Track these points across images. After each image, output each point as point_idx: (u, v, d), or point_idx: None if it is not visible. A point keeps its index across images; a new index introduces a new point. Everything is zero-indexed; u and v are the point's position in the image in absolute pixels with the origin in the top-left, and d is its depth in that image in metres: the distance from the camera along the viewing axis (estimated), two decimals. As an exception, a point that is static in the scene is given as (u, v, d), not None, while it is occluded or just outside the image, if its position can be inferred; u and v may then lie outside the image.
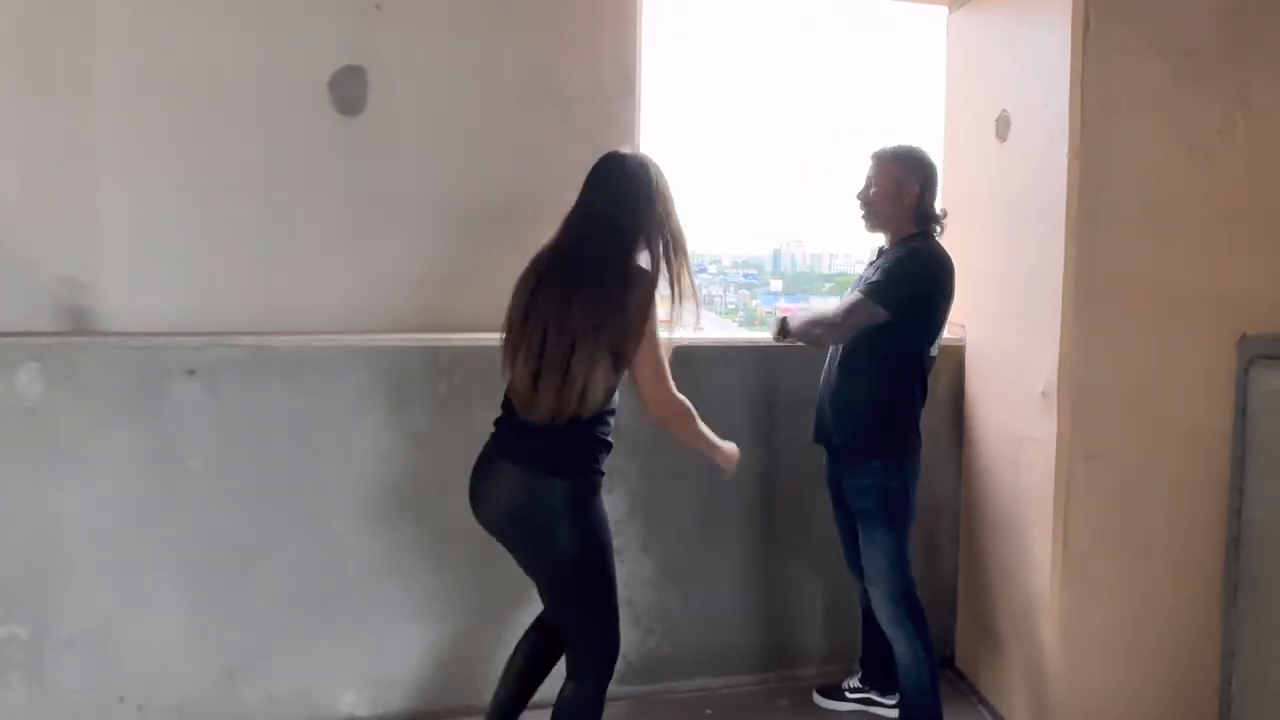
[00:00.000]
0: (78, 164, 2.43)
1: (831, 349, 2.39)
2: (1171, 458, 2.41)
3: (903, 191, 2.29)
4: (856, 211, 2.38)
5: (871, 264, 2.39)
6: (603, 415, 1.90)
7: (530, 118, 2.67)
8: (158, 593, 2.38)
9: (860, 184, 2.36)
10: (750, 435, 2.73)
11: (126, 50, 2.44)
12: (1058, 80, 2.28)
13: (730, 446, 2.13)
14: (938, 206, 2.36)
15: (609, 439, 1.94)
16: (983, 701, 2.73)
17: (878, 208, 2.32)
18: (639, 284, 1.84)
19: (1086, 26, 2.22)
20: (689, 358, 2.56)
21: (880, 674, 2.61)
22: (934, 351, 2.41)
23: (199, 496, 2.38)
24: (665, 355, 1.90)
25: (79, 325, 2.45)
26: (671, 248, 1.90)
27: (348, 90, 2.55)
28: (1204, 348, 2.40)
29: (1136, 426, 2.37)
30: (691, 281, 1.94)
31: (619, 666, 2.68)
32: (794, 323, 2.31)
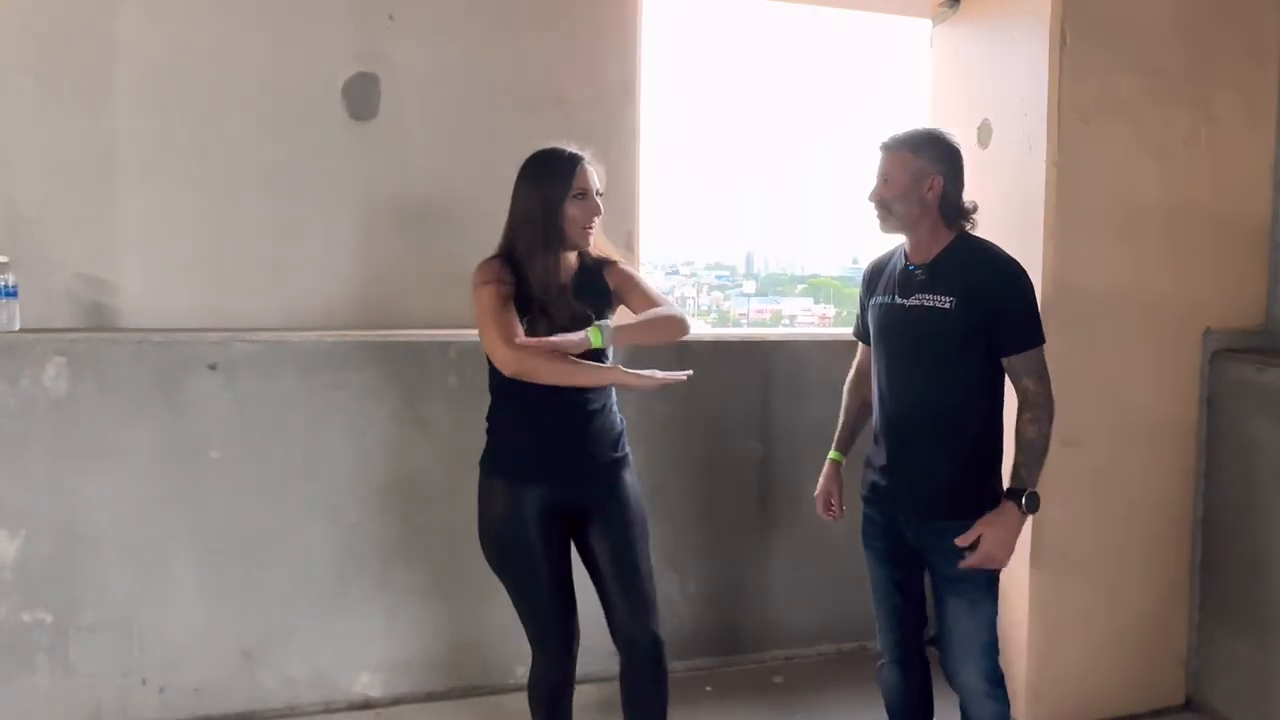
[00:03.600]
0: (99, 166, 2.51)
1: (908, 383, 1.95)
2: (1141, 445, 2.56)
3: (923, 184, 1.89)
4: (870, 214, 1.98)
5: (905, 286, 1.95)
6: (495, 403, 2.02)
7: (534, 122, 2.77)
8: (178, 578, 2.47)
9: (872, 183, 1.96)
10: (745, 426, 2.87)
11: (146, 57, 2.52)
12: (1036, 92, 2.43)
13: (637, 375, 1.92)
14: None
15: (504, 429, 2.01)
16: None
17: (895, 207, 1.91)
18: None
19: (1063, 43, 2.38)
20: (685, 352, 2.70)
21: None
22: None
23: (219, 486, 2.48)
24: (494, 319, 1.85)
25: (101, 322, 2.54)
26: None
27: (360, 96, 2.66)
28: (1171, 342, 2.57)
29: (1109, 415, 2.52)
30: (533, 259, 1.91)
31: (607, 649, 2.82)
32: (1033, 483, 1.87)
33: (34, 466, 2.36)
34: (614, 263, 2.06)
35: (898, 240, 2.05)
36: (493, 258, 1.97)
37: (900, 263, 1.99)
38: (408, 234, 2.72)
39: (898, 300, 1.95)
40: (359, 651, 2.61)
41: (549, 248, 1.90)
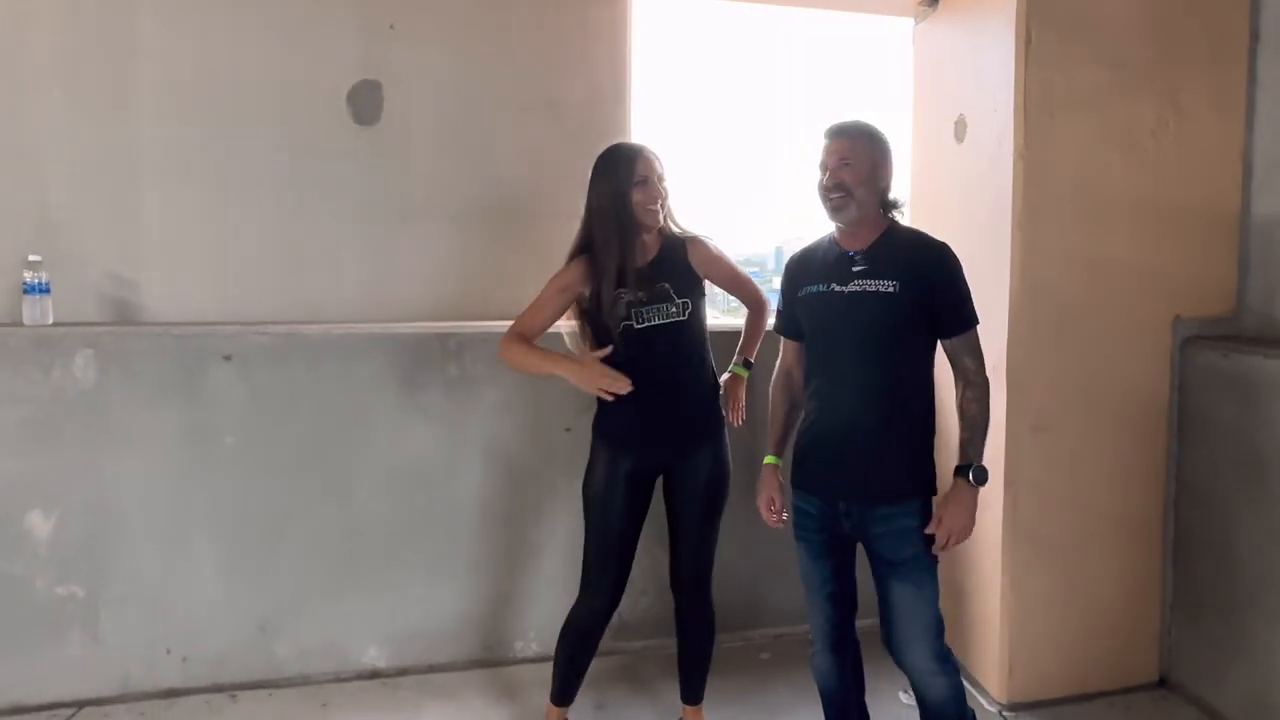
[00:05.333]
0: (124, 172, 2.70)
1: (855, 366, 1.96)
2: (1113, 429, 2.63)
3: (878, 174, 1.96)
4: (824, 200, 1.97)
5: (842, 274, 1.97)
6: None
7: (529, 125, 2.92)
8: (199, 555, 2.65)
9: (825, 168, 1.97)
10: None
11: (166, 69, 2.71)
12: (1004, 86, 2.51)
13: (579, 366, 2.13)
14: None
15: (605, 401, 2.17)
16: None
17: (858, 193, 1.93)
18: None
19: (1029, 38, 2.45)
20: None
21: None
22: None
23: (235, 469, 2.64)
24: (531, 311, 2.18)
25: (125, 316, 2.73)
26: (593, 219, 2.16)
27: (365, 102, 2.81)
28: (1141, 329, 2.63)
29: (1081, 402, 2.59)
30: (610, 243, 2.12)
31: (615, 623, 2.96)
32: (979, 457, 1.93)
33: (66, 451, 2.54)
34: (696, 239, 2.26)
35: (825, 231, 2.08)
36: (579, 255, 2.19)
37: (833, 251, 2.02)
38: (410, 232, 2.87)
39: (835, 288, 1.97)
40: (367, 625, 2.77)
41: (622, 232, 2.12)
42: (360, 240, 2.84)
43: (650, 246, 2.19)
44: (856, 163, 1.93)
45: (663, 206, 2.18)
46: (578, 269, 2.17)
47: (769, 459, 2.19)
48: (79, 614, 2.58)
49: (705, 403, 2.26)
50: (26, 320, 2.56)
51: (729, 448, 2.32)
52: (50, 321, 2.59)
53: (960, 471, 1.93)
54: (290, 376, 2.65)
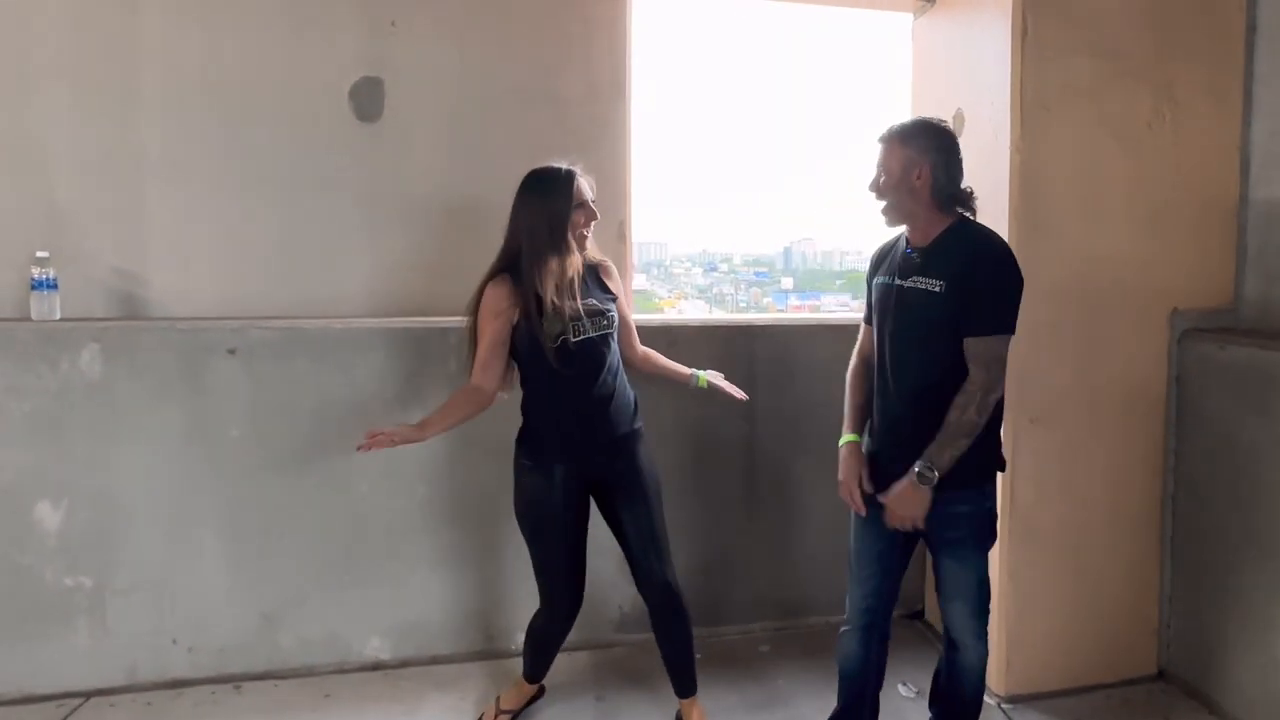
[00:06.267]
0: (130, 168, 2.73)
1: (898, 361, 2.03)
2: (1110, 421, 2.63)
3: (911, 173, 1.95)
4: (875, 207, 2.05)
5: (903, 269, 2.02)
6: (526, 395, 2.28)
7: (529, 121, 2.94)
8: (204, 547, 2.68)
9: (871, 174, 2.03)
10: (732, 408, 3.00)
11: (171, 65, 2.74)
12: (1000, 80, 2.52)
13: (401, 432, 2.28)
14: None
15: (534, 416, 2.28)
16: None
17: (889, 197, 1.99)
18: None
19: (1024, 31, 2.46)
20: (674, 337, 2.84)
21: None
22: None
23: (239, 462, 2.68)
24: (481, 352, 2.22)
25: (131, 311, 2.76)
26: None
27: (366, 99, 2.84)
28: (1139, 321, 2.63)
29: (1078, 394, 2.60)
30: (547, 261, 2.16)
31: (615, 616, 2.98)
32: (938, 461, 1.93)
33: (74, 443, 2.58)
34: (606, 262, 2.37)
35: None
36: (500, 274, 2.22)
37: (902, 246, 2.07)
38: (411, 227, 2.89)
39: (896, 282, 2.03)
40: (369, 617, 2.79)
41: (557, 252, 2.16)
42: (362, 235, 2.87)
43: (578, 264, 2.23)
44: (888, 167, 1.98)
45: (590, 230, 2.26)
46: (502, 290, 2.18)
47: (850, 435, 2.18)
48: (86, 604, 2.62)
49: (631, 410, 2.32)
50: (34, 315, 2.60)
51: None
52: (58, 316, 2.62)
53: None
54: (293, 370, 2.68)
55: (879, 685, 2.25)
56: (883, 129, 2.02)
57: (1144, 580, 2.73)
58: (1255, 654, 2.43)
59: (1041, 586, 2.63)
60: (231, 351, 2.65)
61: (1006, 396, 2.53)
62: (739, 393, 2.54)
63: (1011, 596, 2.62)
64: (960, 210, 2.00)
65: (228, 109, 2.77)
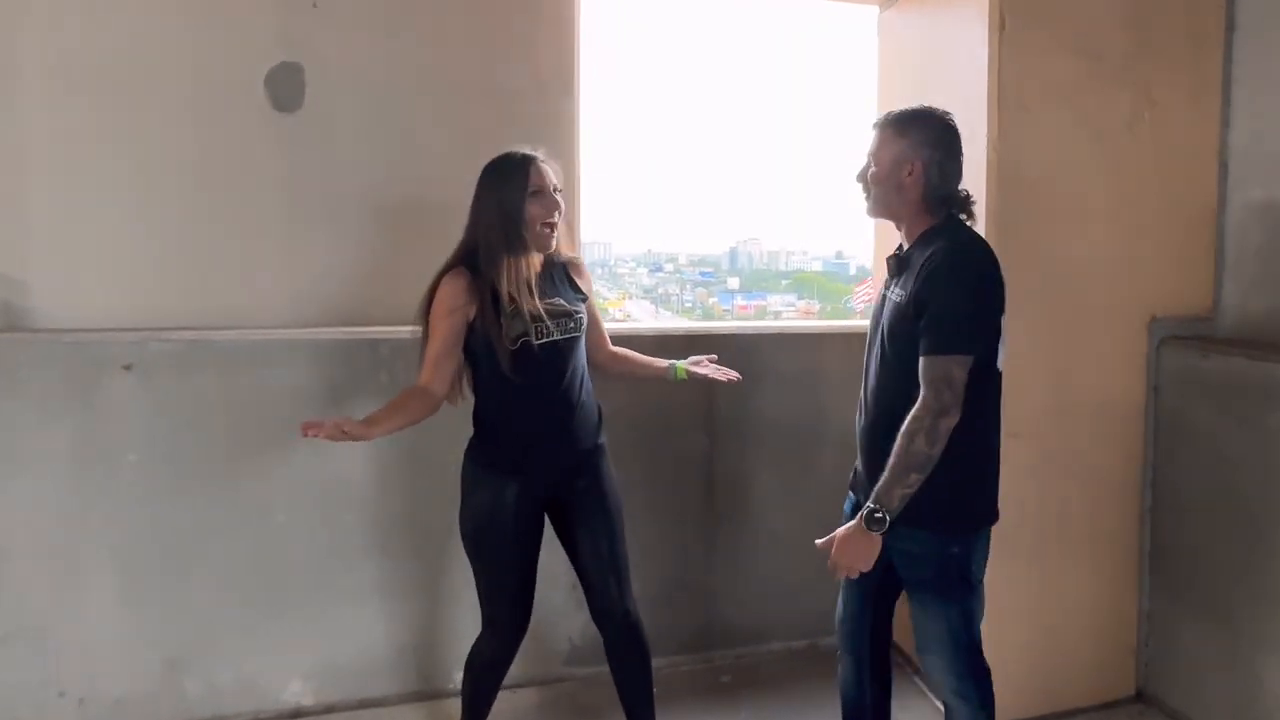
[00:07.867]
0: (6, 159, 2.42)
1: (874, 379, 1.84)
2: (1088, 433, 2.53)
3: (902, 170, 1.76)
4: (859, 195, 1.87)
5: (894, 279, 1.82)
6: (480, 402, 2.06)
7: (469, 115, 2.70)
8: (96, 586, 2.39)
9: (861, 161, 1.85)
10: (690, 420, 2.81)
11: (55, 43, 2.43)
12: (976, 77, 2.38)
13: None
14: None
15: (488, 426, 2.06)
16: (917, 671, 2.83)
17: (876, 191, 1.80)
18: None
19: (1001, 27, 2.34)
20: (633, 348, 2.63)
21: None
22: (1000, 365, 1.80)
23: (138, 490, 2.39)
24: (432, 350, 1.99)
25: (10, 322, 2.44)
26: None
27: (284, 86, 2.57)
28: (1117, 329, 2.53)
29: (1055, 404, 2.48)
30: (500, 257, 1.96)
31: (564, 649, 2.76)
32: (886, 500, 1.69)
33: (-61, 473, 2.27)
34: (577, 260, 2.16)
35: None
36: (457, 268, 1.99)
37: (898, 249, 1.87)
38: (337, 229, 2.63)
39: (883, 289, 1.86)
40: (289, 658, 2.54)
41: (512, 249, 1.94)
42: (279, 237, 2.59)
43: (536, 261, 2.03)
44: (878, 158, 1.80)
45: (558, 221, 2.00)
46: (458, 284, 1.95)
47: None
48: (-43, 655, 2.31)
49: (596, 422, 2.12)
50: (-106, 326, 2.27)
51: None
52: (-78, 327, 2.30)
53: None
54: (200, 387, 2.41)
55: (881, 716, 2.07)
56: (880, 114, 1.84)
57: (1122, 598, 2.64)
58: (1237, 673, 2.34)
59: (1016, 606, 2.50)
60: (128, 367, 2.36)
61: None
62: (729, 375, 2.27)
63: (989, 613, 2.48)
64: (951, 211, 1.80)
65: (124, 93, 2.47)
